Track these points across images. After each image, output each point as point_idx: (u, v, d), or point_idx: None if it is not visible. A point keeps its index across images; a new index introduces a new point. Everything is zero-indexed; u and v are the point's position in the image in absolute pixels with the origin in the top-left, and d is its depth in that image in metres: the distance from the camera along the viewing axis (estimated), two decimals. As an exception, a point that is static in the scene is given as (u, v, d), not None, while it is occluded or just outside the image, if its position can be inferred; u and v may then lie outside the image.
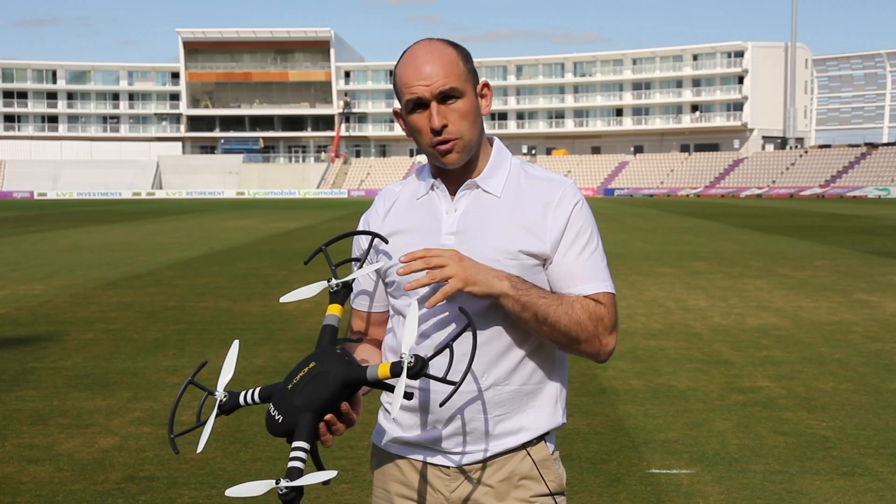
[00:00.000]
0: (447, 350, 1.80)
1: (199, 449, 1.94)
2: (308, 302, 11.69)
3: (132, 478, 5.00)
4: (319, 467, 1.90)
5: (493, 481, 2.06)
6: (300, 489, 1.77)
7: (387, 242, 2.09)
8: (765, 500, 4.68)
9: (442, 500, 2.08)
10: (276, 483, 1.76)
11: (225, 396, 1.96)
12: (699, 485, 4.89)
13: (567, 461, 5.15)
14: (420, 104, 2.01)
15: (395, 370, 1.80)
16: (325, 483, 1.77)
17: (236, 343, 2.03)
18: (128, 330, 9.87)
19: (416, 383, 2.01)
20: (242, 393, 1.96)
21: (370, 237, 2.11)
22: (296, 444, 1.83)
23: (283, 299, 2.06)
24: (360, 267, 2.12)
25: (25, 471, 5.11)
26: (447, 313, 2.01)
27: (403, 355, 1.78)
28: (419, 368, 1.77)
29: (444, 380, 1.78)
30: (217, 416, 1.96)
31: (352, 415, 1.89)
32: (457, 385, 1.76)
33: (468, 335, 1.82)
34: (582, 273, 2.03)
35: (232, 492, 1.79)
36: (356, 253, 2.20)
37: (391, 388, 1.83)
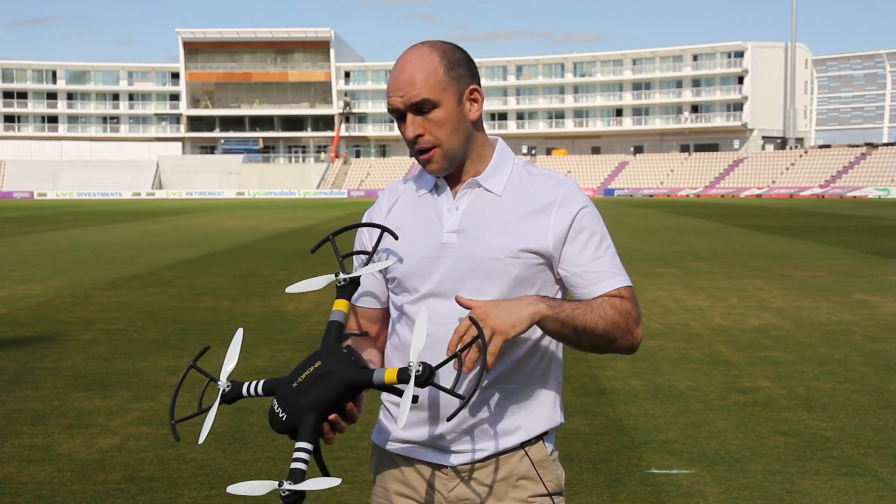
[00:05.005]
0: (453, 359, 1.78)
1: (201, 440, 1.90)
2: (307, 302, 11.69)
3: (132, 478, 5.00)
4: (322, 467, 1.89)
5: (492, 481, 2.07)
6: (302, 492, 1.74)
7: (396, 238, 2.07)
8: (765, 500, 4.68)
9: (441, 500, 2.08)
10: (279, 485, 1.74)
11: (228, 386, 1.92)
12: (699, 485, 4.89)
13: (567, 461, 5.14)
14: (400, 114, 2.03)
15: (403, 376, 1.77)
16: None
17: (240, 331, 2.00)
18: (128, 330, 9.87)
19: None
20: (246, 384, 1.92)
21: (377, 233, 2.09)
22: (299, 444, 1.80)
23: (289, 289, 2.06)
24: (367, 261, 2.10)
25: (25, 471, 5.11)
26: (455, 314, 2.01)
27: (411, 363, 1.75)
28: (427, 377, 1.75)
29: (452, 391, 1.76)
30: (219, 404, 1.92)
31: (355, 413, 1.88)
32: (466, 400, 1.74)
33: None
34: (601, 271, 2.05)
35: (233, 489, 1.77)
36: (359, 248, 2.17)
37: (397, 392, 1.82)
